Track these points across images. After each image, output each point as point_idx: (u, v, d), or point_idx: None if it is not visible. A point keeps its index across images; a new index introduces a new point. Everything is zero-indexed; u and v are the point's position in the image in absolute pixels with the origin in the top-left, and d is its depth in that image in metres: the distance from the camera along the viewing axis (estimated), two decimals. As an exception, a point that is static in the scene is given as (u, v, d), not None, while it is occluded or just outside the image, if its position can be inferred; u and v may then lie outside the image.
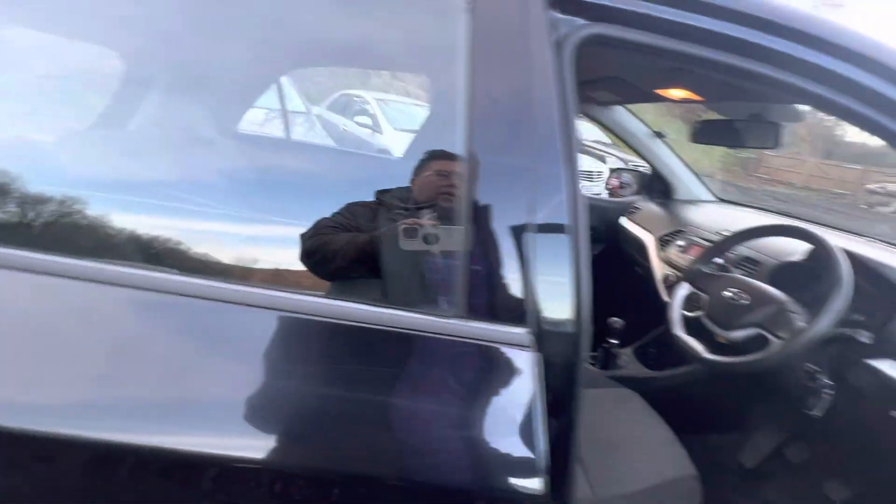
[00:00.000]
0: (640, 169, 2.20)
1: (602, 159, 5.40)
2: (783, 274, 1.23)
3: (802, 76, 0.67)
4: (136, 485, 0.49)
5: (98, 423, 0.47)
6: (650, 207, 2.01)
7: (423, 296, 0.56)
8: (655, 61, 0.97)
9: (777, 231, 1.13)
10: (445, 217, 0.58)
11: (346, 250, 0.59)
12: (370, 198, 0.65)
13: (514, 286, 0.55)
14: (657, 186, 2.07)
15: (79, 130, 0.82)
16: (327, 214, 0.63)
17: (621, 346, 1.66)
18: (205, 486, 0.49)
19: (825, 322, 0.88)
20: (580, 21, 0.61)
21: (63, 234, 0.56)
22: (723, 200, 2.03)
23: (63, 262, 0.49)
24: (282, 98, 1.18)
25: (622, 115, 1.89)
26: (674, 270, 1.56)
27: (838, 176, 13.62)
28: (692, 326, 1.22)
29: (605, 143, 5.71)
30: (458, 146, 0.55)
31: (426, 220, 0.58)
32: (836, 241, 1.19)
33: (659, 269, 1.64)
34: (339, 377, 0.52)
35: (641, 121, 1.89)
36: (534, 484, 0.52)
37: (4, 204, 0.55)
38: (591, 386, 1.32)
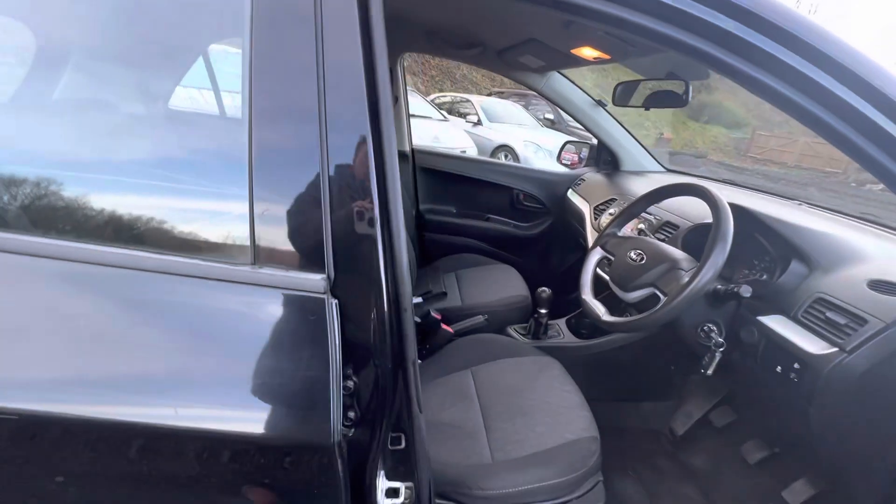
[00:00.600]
0: (590, 141, 2.16)
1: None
2: (696, 235, 1.21)
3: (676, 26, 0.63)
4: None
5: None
6: (595, 178, 1.98)
7: (212, 242, 0.54)
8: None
9: (673, 191, 1.11)
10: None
11: None
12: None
13: (308, 232, 0.53)
14: (604, 157, 2.04)
15: None
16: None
17: (558, 316, 1.65)
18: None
19: (705, 276, 0.87)
20: None
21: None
22: (670, 171, 2.01)
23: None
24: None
25: (563, 85, 1.85)
26: (604, 238, 1.55)
27: (829, 154, 13.53)
28: (603, 289, 1.21)
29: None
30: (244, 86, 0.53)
31: None
32: (751, 201, 1.18)
33: (592, 237, 1.62)
34: (126, 324, 0.51)
35: (583, 90, 1.86)
36: (324, 437, 0.51)
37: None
38: (513, 354, 1.32)
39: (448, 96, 8.86)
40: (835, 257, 0.93)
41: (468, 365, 1.30)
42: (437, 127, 6.13)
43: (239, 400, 0.51)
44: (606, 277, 1.15)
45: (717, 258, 0.87)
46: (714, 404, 1.47)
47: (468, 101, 7.92)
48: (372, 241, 0.55)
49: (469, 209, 2.24)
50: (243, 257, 0.52)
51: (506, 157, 6.43)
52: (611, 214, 1.58)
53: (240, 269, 0.52)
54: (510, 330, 1.57)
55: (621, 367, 1.53)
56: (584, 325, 1.58)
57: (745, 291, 0.89)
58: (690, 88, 1.17)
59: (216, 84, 0.61)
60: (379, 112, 0.55)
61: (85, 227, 0.53)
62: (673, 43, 0.64)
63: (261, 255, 0.53)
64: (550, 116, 8.76)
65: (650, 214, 1.45)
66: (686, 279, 0.91)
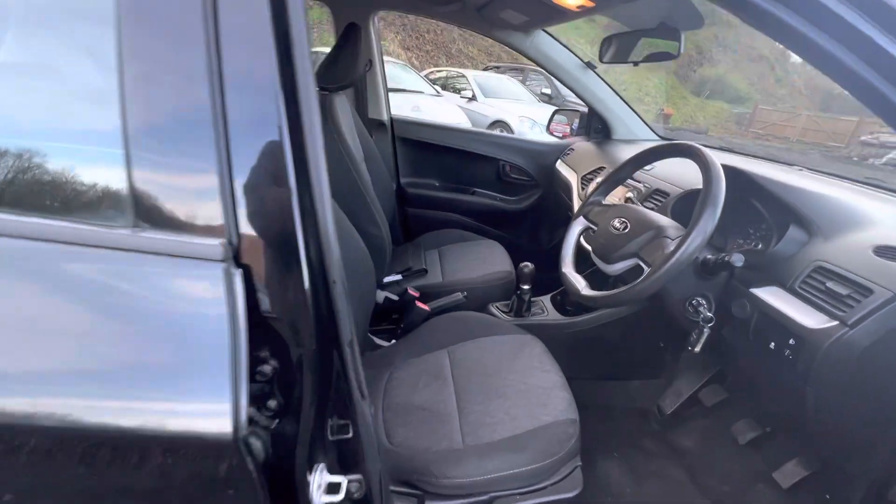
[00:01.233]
0: (579, 108, 2.04)
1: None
2: (687, 203, 1.12)
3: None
4: None
5: None
6: (584, 147, 1.87)
7: (81, 200, 0.45)
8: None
9: (660, 153, 1.00)
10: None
11: None
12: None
13: (203, 187, 0.44)
14: (595, 125, 1.93)
15: None
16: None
17: (546, 293, 1.57)
18: None
19: (693, 244, 0.78)
20: None
21: None
22: (664, 139, 1.89)
23: None
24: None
25: (550, 45, 1.72)
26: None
27: (832, 129, 13.30)
28: (589, 263, 1.13)
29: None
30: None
31: None
32: (746, 164, 1.08)
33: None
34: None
35: (571, 51, 1.73)
36: (224, 431, 0.42)
37: None
38: (493, 333, 1.24)
39: (443, 71, 8.61)
40: (837, 222, 0.84)
41: (444, 344, 1.23)
42: (429, 102, 5.95)
43: (114, 390, 0.43)
44: (589, 249, 1.06)
45: (707, 224, 0.78)
46: (704, 382, 1.40)
47: (463, 75, 7.70)
48: (285, 200, 0.46)
49: (453, 182, 2.13)
50: (121, 219, 0.43)
51: (501, 133, 6.27)
52: (598, 184, 1.48)
53: (115, 233, 0.43)
54: (491, 307, 1.49)
55: (608, 345, 1.45)
56: (570, 301, 1.50)
57: (738, 260, 0.80)
58: (684, 38, 1.06)
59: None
60: (289, 25, 0.45)
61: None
62: None
63: (143, 215, 0.43)
64: (547, 91, 8.54)
65: (638, 182, 1.35)
66: (672, 247, 0.82)
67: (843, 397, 0.75)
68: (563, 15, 1.29)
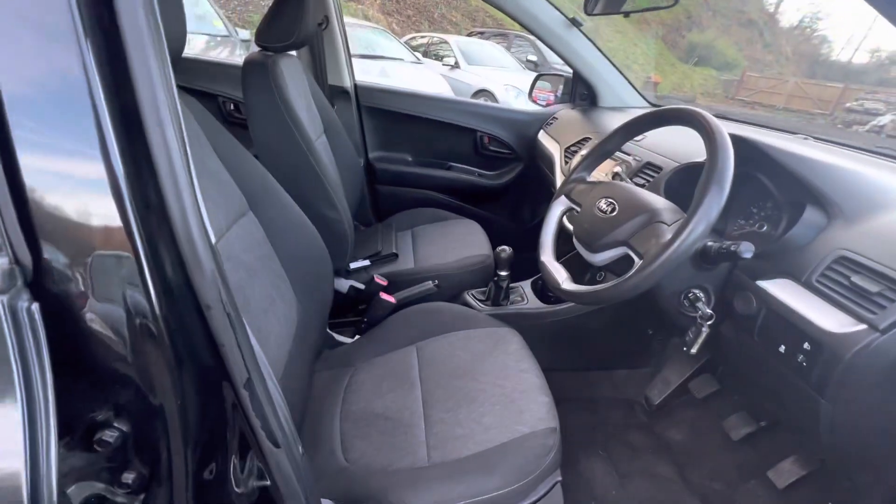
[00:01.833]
0: (564, 73, 1.86)
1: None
2: (683, 178, 0.98)
3: None
4: None
5: None
6: (569, 116, 1.71)
7: None
8: None
9: (655, 120, 0.85)
10: None
11: None
12: None
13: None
14: (580, 91, 1.76)
15: None
16: None
17: (525, 278, 1.45)
18: None
19: (694, 233, 0.64)
20: None
21: None
22: (655, 106, 1.73)
23: None
24: None
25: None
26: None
27: (818, 95, 13.21)
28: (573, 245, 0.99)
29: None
30: None
31: None
32: (745, 132, 0.93)
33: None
34: None
35: (554, 6, 1.53)
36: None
37: None
38: (466, 326, 1.11)
39: (425, 37, 8.20)
40: (862, 201, 0.71)
41: (413, 340, 1.10)
42: (409, 70, 5.63)
43: None
44: (572, 230, 0.92)
45: (711, 208, 0.64)
46: (694, 371, 1.30)
47: (445, 42, 7.33)
48: (108, 198, 0.30)
49: (427, 157, 1.95)
50: None
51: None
52: (582, 157, 1.33)
53: None
54: (466, 296, 1.35)
55: (592, 334, 1.34)
56: (552, 287, 1.38)
57: (746, 251, 0.66)
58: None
59: None
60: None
61: None
62: None
63: None
64: (533, 58, 8.21)
65: (628, 154, 1.20)
66: (668, 236, 0.68)
67: (863, 413, 0.64)
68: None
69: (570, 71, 1.74)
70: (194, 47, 4.10)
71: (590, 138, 1.41)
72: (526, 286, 1.39)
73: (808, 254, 0.70)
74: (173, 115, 0.32)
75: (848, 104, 12.45)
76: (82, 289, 0.31)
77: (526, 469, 0.77)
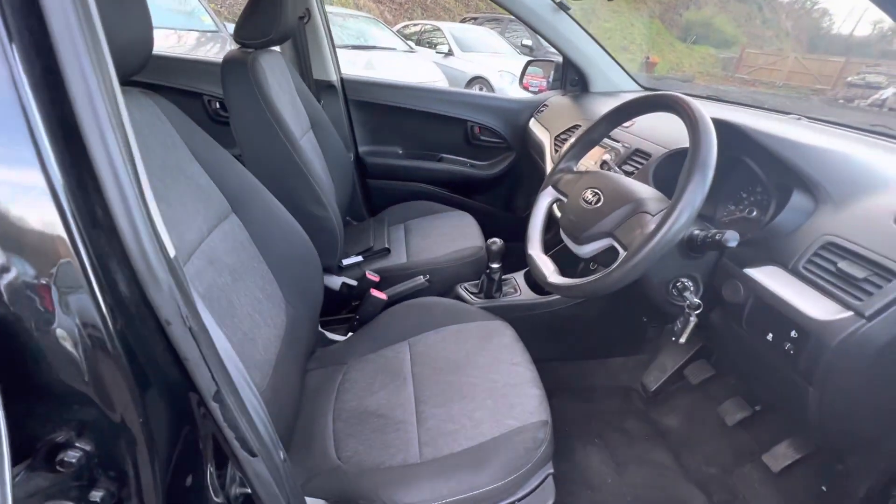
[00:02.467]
0: (556, 59, 1.83)
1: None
2: (672, 164, 0.96)
3: None
4: None
5: None
6: (560, 103, 1.68)
7: None
8: None
9: (638, 107, 0.83)
10: None
11: None
12: None
13: None
14: (571, 77, 1.73)
15: None
16: None
17: (518, 269, 1.44)
18: None
19: (678, 222, 0.63)
20: None
21: None
22: (647, 90, 1.71)
23: None
24: None
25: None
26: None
27: (818, 70, 13.00)
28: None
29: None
30: None
31: None
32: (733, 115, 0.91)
33: (552, 174, 1.36)
34: None
35: (541, -10, 1.50)
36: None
37: None
38: (459, 320, 1.11)
39: (417, 25, 8.08)
40: (849, 185, 0.69)
41: (405, 335, 1.10)
42: (401, 60, 5.56)
43: None
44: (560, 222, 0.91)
45: (695, 195, 0.62)
46: (690, 357, 1.30)
47: (438, 29, 7.23)
48: (51, 211, 0.30)
49: (418, 149, 1.93)
50: None
51: (480, 89, 5.94)
52: (570, 145, 1.31)
53: None
54: (459, 289, 1.35)
55: (587, 323, 1.34)
56: (545, 277, 1.37)
57: (731, 240, 0.65)
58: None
59: None
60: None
61: None
62: None
63: None
64: (528, 43, 8.09)
65: (617, 141, 1.18)
66: (652, 227, 0.67)
67: (852, 400, 0.63)
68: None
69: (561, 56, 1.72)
70: (185, 44, 4.06)
71: (580, 125, 1.39)
72: (519, 278, 1.38)
73: (796, 240, 0.69)
74: (116, 125, 0.31)
75: (849, 78, 12.25)
76: (37, 308, 0.30)
77: (517, 463, 0.77)
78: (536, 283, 1.38)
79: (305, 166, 1.17)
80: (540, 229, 0.96)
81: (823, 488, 0.88)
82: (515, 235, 1.49)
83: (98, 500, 0.36)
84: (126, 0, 0.59)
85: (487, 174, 1.92)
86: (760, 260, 0.72)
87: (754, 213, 0.84)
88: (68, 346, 0.32)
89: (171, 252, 0.36)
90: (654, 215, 0.71)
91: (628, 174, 1.03)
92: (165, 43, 3.84)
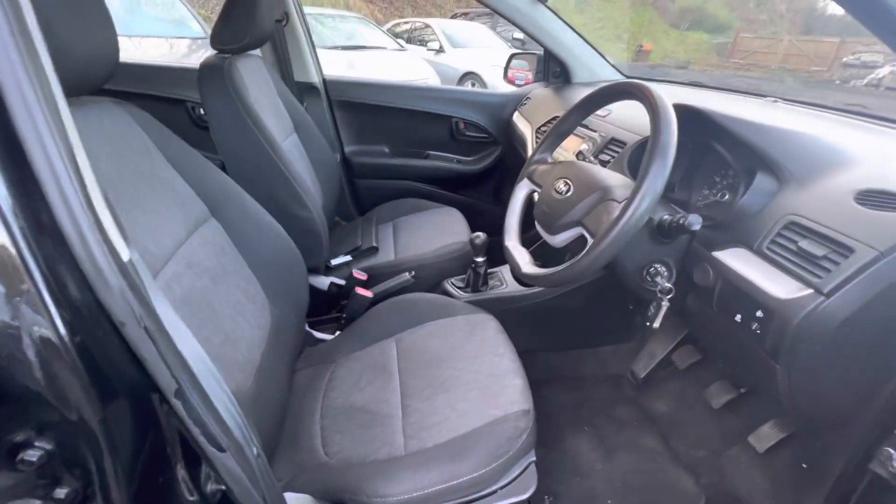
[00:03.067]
0: (536, 52, 1.83)
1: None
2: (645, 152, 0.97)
3: None
4: None
5: None
6: (542, 95, 1.69)
7: None
8: None
9: (604, 97, 0.84)
10: None
11: None
12: None
13: None
14: (553, 69, 1.73)
15: None
16: None
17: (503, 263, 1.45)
18: None
19: (640, 208, 0.64)
20: None
21: None
22: (629, 79, 1.71)
23: None
24: None
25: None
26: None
27: (814, 52, 12.91)
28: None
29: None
30: None
31: None
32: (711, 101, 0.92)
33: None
34: None
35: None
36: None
37: None
38: (444, 315, 1.12)
39: (408, 23, 8.06)
40: (812, 164, 0.70)
41: (392, 332, 1.11)
42: (391, 59, 5.55)
43: None
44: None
45: (655, 180, 0.63)
46: (678, 342, 1.31)
47: (429, 26, 7.21)
48: None
49: (404, 147, 1.94)
50: None
51: (473, 85, 5.93)
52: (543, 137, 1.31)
53: None
54: (446, 284, 1.36)
55: (574, 313, 1.34)
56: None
57: (695, 223, 0.66)
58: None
59: None
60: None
61: None
62: None
63: None
64: (520, 36, 8.05)
65: (594, 131, 1.19)
66: (616, 213, 0.68)
67: (818, 377, 0.64)
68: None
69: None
70: (177, 52, 4.07)
71: (558, 116, 1.39)
72: (505, 271, 1.39)
73: (760, 221, 0.70)
74: (58, 133, 0.32)
75: (845, 59, 12.16)
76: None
77: (498, 452, 0.79)
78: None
79: (287, 169, 1.19)
80: (517, 221, 0.97)
81: (804, 466, 0.89)
82: (502, 228, 1.50)
83: (62, 497, 0.38)
84: (88, 14, 0.60)
85: (474, 169, 1.93)
86: (728, 242, 0.73)
87: (726, 196, 0.85)
88: (20, 348, 0.33)
89: (126, 256, 0.37)
90: (620, 202, 0.72)
91: (604, 163, 1.03)
92: (157, 52, 3.85)
